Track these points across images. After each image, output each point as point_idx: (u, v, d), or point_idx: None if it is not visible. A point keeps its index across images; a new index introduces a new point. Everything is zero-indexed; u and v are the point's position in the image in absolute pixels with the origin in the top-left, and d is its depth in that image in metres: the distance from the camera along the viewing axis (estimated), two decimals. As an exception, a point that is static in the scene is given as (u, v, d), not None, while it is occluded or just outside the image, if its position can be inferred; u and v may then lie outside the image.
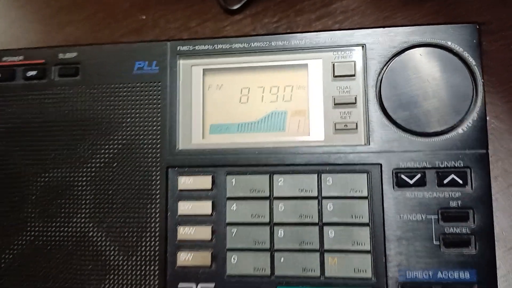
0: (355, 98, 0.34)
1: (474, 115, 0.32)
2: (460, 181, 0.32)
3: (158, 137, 0.35)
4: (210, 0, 0.47)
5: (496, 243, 0.33)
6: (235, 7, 0.47)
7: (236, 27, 0.47)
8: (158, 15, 0.48)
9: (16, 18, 0.50)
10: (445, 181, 0.32)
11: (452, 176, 0.32)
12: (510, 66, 0.42)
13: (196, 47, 0.36)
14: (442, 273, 0.31)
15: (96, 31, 0.48)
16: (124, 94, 0.35)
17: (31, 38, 0.49)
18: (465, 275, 0.31)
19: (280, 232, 0.33)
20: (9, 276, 0.35)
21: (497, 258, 0.32)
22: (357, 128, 0.34)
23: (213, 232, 0.34)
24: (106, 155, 0.35)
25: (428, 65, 0.33)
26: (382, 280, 0.32)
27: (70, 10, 0.50)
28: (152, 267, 0.34)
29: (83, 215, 0.34)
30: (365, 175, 0.33)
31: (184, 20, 0.48)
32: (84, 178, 0.34)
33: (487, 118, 0.39)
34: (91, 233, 0.34)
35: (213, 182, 0.34)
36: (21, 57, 0.37)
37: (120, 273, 0.34)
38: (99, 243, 0.34)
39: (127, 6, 0.49)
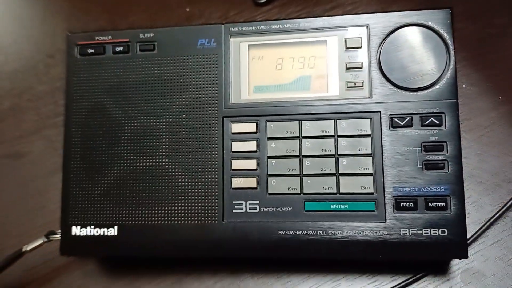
0: (362, 64, 0.42)
1: (447, 75, 0.40)
2: (437, 122, 0.40)
3: (216, 94, 0.44)
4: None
5: (466, 176, 0.42)
6: (264, 0, 0.58)
7: (265, 16, 0.57)
8: (203, 7, 0.59)
9: (90, 9, 0.61)
10: (426, 123, 0.40)
11: (431, 118, 0.40)
12: (479, 45, 0.51)
13: (244, 28, 0.44)
14: (424, 188, 0.39)
15: (153, 20, 0.59)
16: (190, 63, 0.44)
17: (102, 24, 0.60)
18: (440, 189, 0.39)
19: (307, 162, 0.42)
20: (108, 194, 0.44)
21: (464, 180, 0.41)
22: (363, 86, 0.42)
23: (257, 163, 0.42)
24: (178, 108, 0.44)
25: (414, 39, 0.41)
26: (380, 194, 0.40)
27: (132, 4, 0.61)
28: (213, 190, 0.43)
29: (161, 152, 0.44)
30: (368, 120, 0.41)
31: (224, 11, 0.58)
32: (162, 125, 0.44)
33: (464, 85, 0.50)
34: (167, 166, 0.44)
35: (257, 127, 0.43)
36: (109, 37, 0.46)
37: (189, 195, 0.43)
38: (173, 173, 0.44)
39: (176, 0, 0.60)
